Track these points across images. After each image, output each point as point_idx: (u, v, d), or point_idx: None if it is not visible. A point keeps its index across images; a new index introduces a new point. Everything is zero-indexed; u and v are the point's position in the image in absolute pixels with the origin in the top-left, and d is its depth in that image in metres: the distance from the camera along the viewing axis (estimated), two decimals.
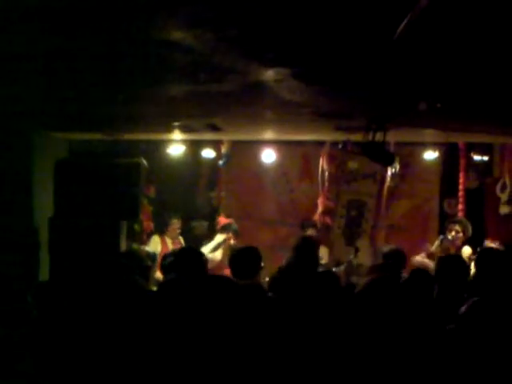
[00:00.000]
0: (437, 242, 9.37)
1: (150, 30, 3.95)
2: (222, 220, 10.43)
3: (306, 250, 7.14)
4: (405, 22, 3.54)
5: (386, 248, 8.34)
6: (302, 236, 8.06)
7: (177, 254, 6.75)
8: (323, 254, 9.77)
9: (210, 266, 8.65)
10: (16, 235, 7.94)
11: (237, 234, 9.78)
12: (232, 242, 9.65)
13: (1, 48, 4.43)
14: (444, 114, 6.50)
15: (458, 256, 7.48)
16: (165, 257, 6.94)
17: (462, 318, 4.27)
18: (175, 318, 4.28)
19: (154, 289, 5.82)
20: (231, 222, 10.09)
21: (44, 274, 8.14)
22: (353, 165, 11.29)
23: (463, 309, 4.31)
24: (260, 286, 5.40)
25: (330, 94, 5.92)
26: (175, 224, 10.13)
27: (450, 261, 6.16)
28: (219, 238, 9.68)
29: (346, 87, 5.67)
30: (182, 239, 10.27)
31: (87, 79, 5.40)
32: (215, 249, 9.48)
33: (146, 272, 6.34)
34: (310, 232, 9.86)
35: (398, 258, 7.77)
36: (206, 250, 9.29)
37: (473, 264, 6.74)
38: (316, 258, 7.26)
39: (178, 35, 3.99)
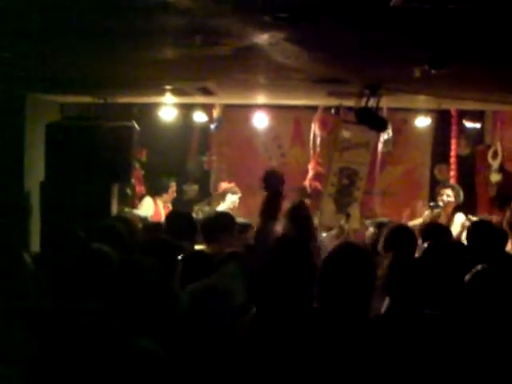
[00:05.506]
0: (427, 212, 9.38)
1: None
2: (224, 185, 10.38)
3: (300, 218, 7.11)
4: None
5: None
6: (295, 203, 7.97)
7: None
8: None
9: None
10: (7, 199, 7.92)
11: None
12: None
13: None
14: (437, 80, 6.48)
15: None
16: None
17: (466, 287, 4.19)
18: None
19: None
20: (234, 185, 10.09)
21: (35, 237, 8.14)
22: (346, 134, 11.24)
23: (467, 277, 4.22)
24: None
25: (324, 59, 5.89)
26: (173, 187, 10.13)
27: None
28: (232, 199, 9.70)
29: (340, 53, 5.64)
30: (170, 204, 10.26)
31: (80, 42, 5.35)
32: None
33: (136, 236, 6.32)
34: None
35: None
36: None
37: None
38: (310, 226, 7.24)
39: None
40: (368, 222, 8.10)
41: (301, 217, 7.13)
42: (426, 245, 5.37)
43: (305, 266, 4.46)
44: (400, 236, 5.98)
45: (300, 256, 4.52)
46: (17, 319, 3.81)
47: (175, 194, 10.23)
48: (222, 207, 9.49)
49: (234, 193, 9.78)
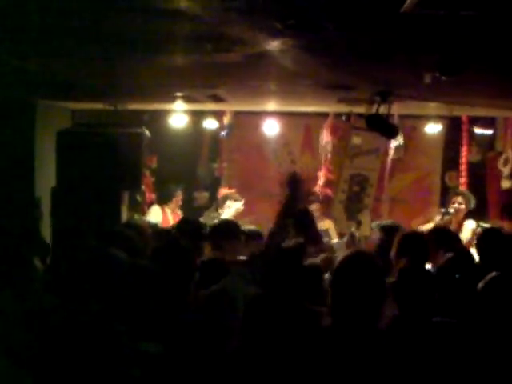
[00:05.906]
0: (438, 217, 9.36)
1: None
2: (224, 191, 10.40)
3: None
4: None
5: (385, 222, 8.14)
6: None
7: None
8: (329, 226, 9.77)
9: None
10: (18, 204, 7.93)
11: None
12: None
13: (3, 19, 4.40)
14: (448, 87, 6.47)
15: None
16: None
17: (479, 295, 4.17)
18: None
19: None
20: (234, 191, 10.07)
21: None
22: (356, 140, 11.22)
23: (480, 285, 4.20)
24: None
25: (334, 65, 5.88)
26: (179, 196, 10.12)
27: None
28: (236, 205, 9.66)
29: (351, 59, 5.64)
30: (179, 211, 10.24)
31: (91, 49, 5.36)
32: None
33: (147, 241, 6.31)
34: (315, 206, 9.75)
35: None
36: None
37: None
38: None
39: (184, 4, 3.95)
40: (374, 224, 8.05)
41: (304, 222, 7.13)
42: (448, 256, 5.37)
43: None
44: (413, 243, 5.95)
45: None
46: (25, 321, 3.82)
47: (181, 203, 10.21)
48: (227, 214, 9.47)
49: (235, 199, 9.73)
